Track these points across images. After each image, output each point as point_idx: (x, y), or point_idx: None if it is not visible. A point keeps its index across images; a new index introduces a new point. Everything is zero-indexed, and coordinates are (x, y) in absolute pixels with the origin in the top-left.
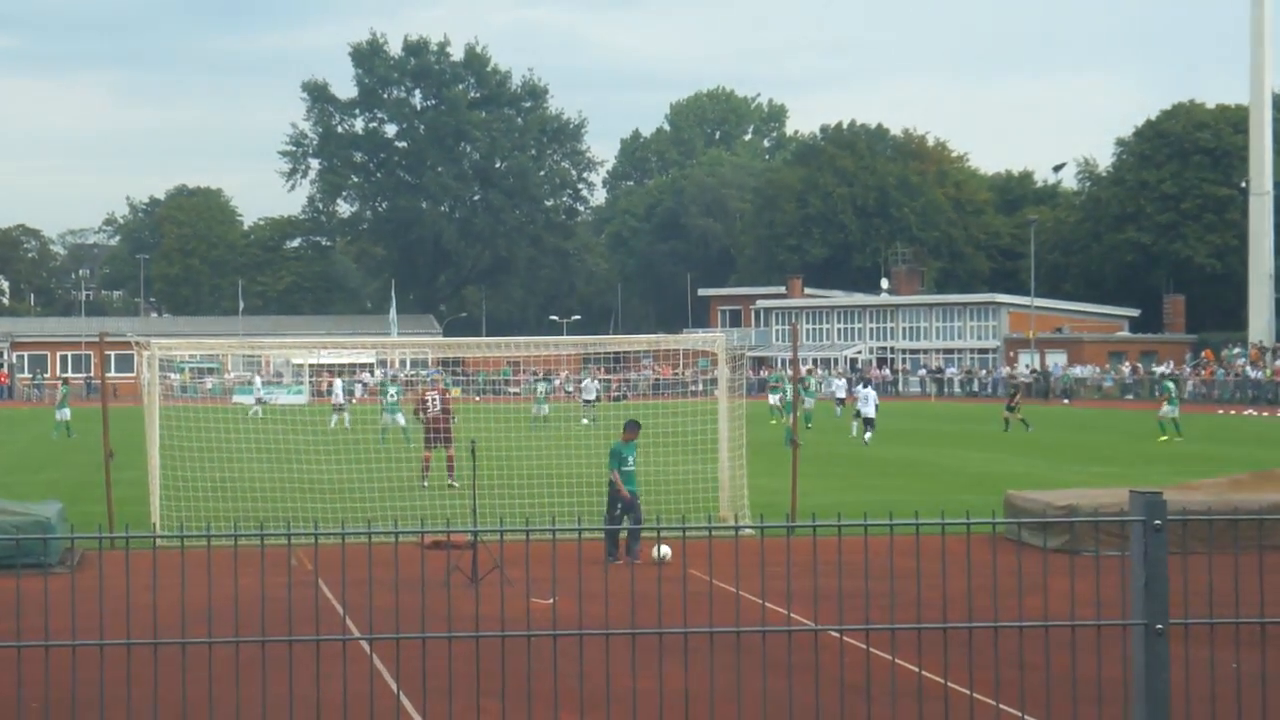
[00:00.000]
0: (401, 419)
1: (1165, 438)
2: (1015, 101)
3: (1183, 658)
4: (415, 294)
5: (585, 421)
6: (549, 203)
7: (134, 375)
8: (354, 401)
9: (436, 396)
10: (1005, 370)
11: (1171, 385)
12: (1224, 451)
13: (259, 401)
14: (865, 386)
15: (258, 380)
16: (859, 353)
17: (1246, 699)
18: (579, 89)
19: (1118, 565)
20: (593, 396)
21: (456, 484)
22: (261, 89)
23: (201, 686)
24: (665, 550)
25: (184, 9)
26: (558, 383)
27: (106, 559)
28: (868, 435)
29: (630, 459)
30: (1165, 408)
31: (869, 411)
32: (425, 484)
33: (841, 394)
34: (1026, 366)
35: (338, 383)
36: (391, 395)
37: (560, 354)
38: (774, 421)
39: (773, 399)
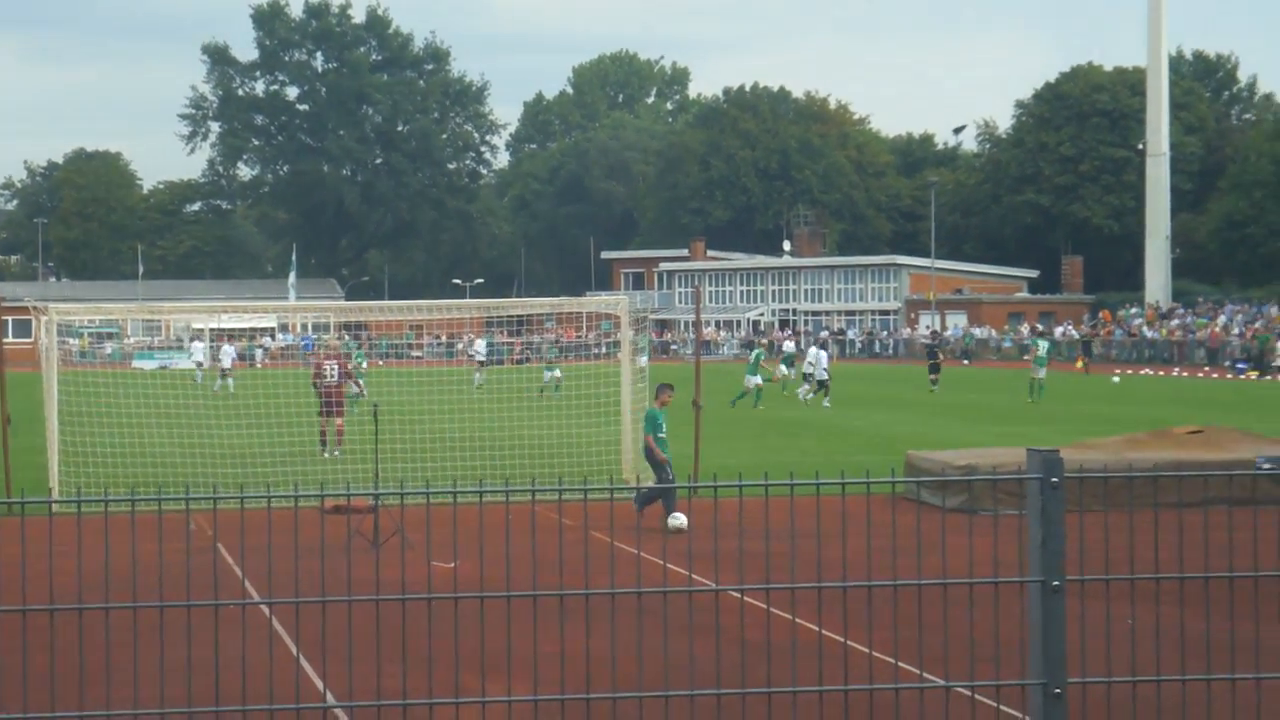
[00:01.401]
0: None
1: (1033, 401)
2: (916, 65)
3: (1078, 613)
4: (317, 258)
5: (477, 379)
6: (451, 166)
7: (32, 341)
8: (258, 366)
9: (335, 365)
10: (908, 332)
11: (1043, 343)
12: (1120, 411)
13: (200, 366)
14: (819, 349)
15: (197, 346)
16: (761, 315)
17: (1140, 653)
18: (482, 52)
19: (1015, 524)
20: (484, 357)
21: (339, 454)
22: (161, 51)
23: (99, 652)
24: (680, 519)
25: None
26: (460, 346)
27: (3, 525)
28: (826, 401)
29: (663, 423)
30: (1040, 370)
31: (821, 374)
32: (334, 452)
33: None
34: (927, 328)
35: (228, 348)
36: (549, 355)
37: (463, 317)
38: (785, 393)
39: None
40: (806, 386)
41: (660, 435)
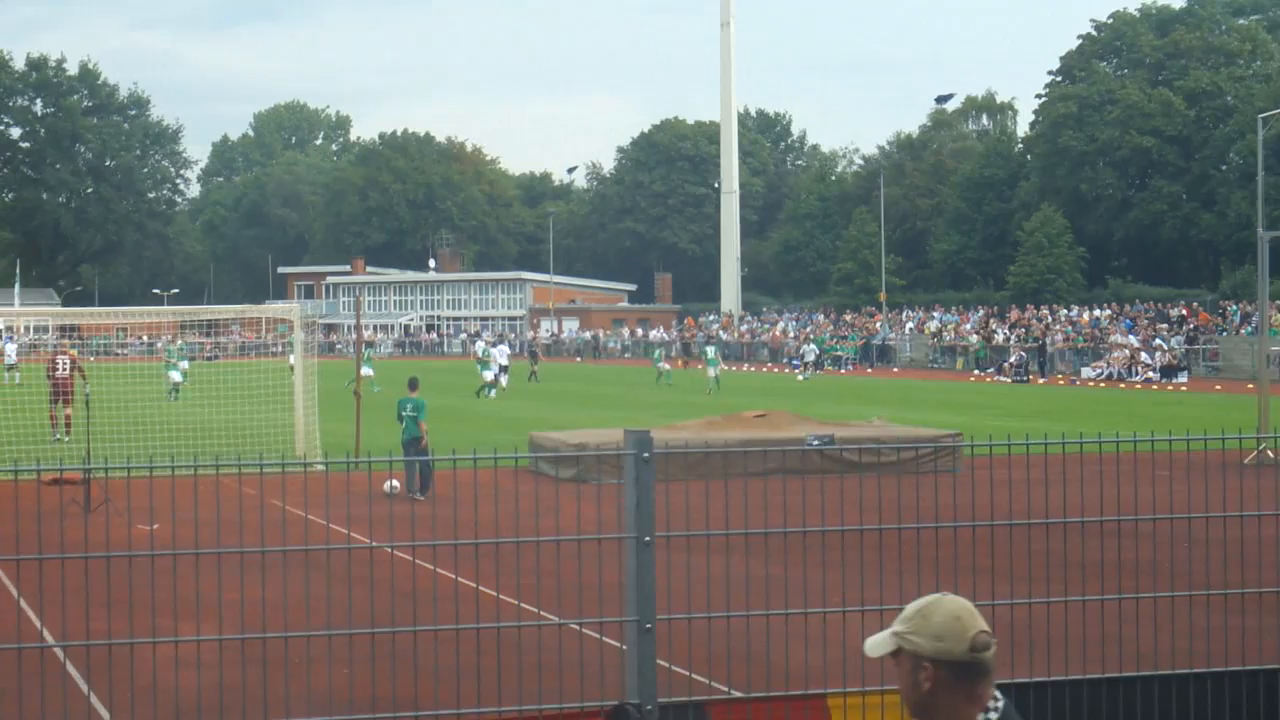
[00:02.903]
0: (177, 375)
1: (709, 393)
2: (538, 115)
3: (666, 564)
4: (37, 271)
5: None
6: (151, 195)
7: None
8: None
9: (66, 360)
10: (530, 334)
11: (711, 350)
12: (701, 399)
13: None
14: (497, 345)
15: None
16: (411, 320)
17: (715, 594)
18: (178, 100)
19: (617, 491)
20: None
21: (68, 439)
22: None
23: None
24: (394, 484)
25: None
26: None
27: None
28: (503, 383)
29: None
30: (709, 369)
31: (503, 361)
32: (60, 437)
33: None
34: (548, 331)
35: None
36: (173, 356)
37: (162, 321)
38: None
39: (663, 365)
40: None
41: (407, 414)
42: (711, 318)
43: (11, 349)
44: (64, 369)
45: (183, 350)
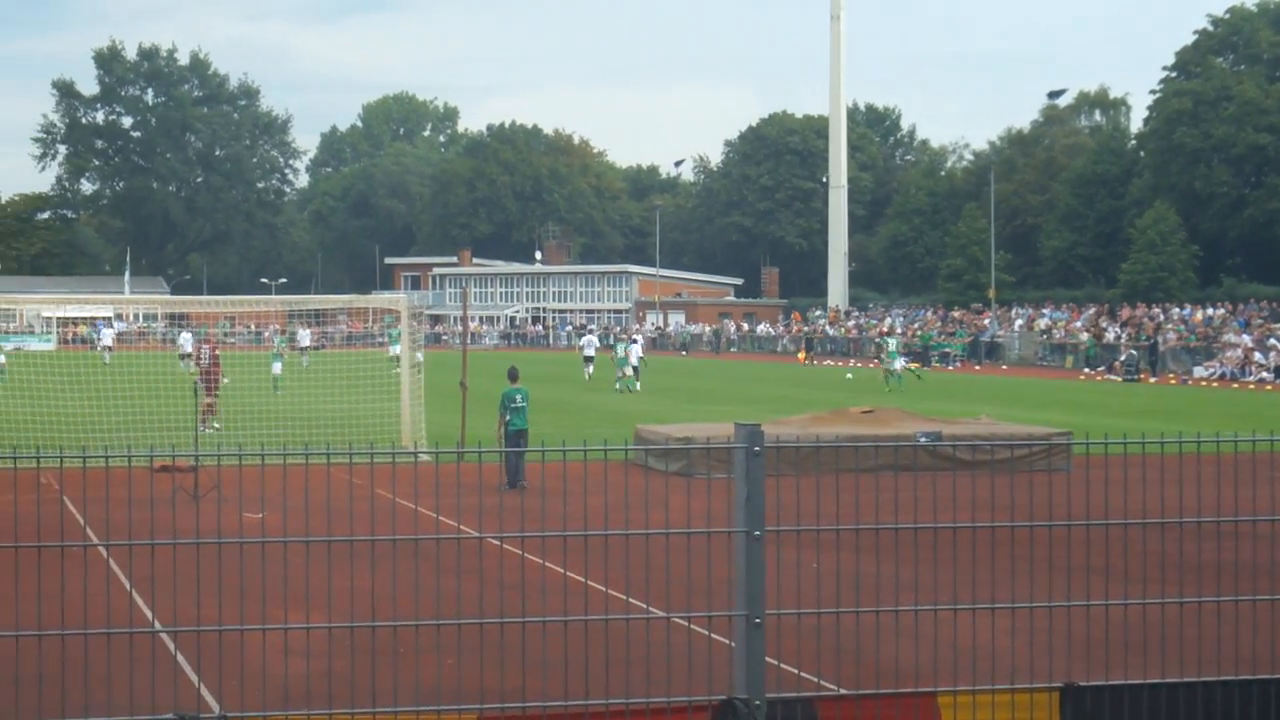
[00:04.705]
0: (279, 367)
1: (890, 389)
2: (646, 108)
3: (776, 559)
4: (147, 260)
5: (305, 363)
6: (260, 185)
7: None
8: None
9: (207, 350)
10: (637, 327)
11: (892, 341)
12: (808, 394)
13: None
14: (632, 344)
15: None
16: (517, 312)
17: (824, 589)
18: (287, 90)
19: (724, 485)
20: (307, 343)
21: (218, 427)
22: (17, 85)
23: None
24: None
25: None
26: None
27: None
28: (637, 385)
29: (517, 398)
30: (896, 362)
31: (634, 362)
32: (205, 428)
33: (590, 351)
34: (653, 324)
35: None
36: (276, 345)
37: (269, 310)
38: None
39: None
40: (622, 372)
41: (515, 406)
42: (818, 313)
43: (109, 334)
44: (205, 358)
45: (283, 343)
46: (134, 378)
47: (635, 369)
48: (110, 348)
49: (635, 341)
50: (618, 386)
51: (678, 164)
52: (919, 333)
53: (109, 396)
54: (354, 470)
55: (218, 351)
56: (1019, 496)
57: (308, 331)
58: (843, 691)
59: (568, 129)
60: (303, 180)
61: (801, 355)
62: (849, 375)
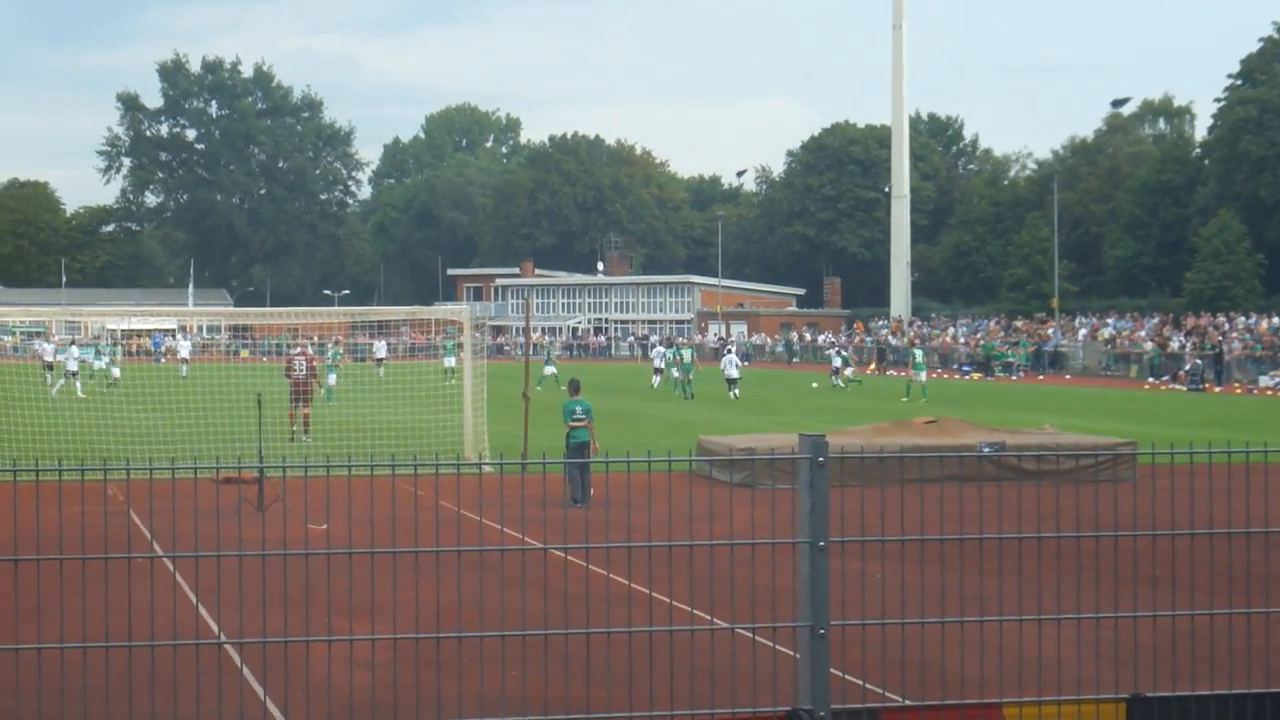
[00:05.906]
0: (334, 378)
1: (907, 399)
2: (707, 118)
3: (840, 570)
4: (210, 271)
5: (380, 374)
6: (323, 196)
7: None
8: (162, 362)
9: (303, 361)
10: (699, 338)
11: (918, 353)
12: (871, 405)
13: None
14: (728, 353)
15: (46, 347)
16: (579, 322)
17: (888, 601)
18: (350, 103)
19: (789, 496)
20: (383, 354)
21: (307, 439)
22: (83, 99)
23: (30, 597)
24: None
25: (18, 33)
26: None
27: None
28: (735, 392)
29: (578, 410)
30: (917, 374)
31: (732, 373)
32: (305, 438)
33: (659, 362)
34: (715, 335)
35: (49, 348)
36: (329, 357)
37: (332, 322)
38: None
39: (661, 365)
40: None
41: (576, 419)
42: (880, 323)
43: (185, 346)
44: (301, 369)
45: (338, 355)
46: (207, 390)
47: (731, 380)
48: (186, 359)
49: (730, 352)
50: (675, 392)
51: (740, 174)
52: (982, 342)
53: (178, 408)
54: (418, 481)
55: (314, 363)
56: (1084, 507)
57: (383, 343)
58: (907, 702)
59: (629, 139)
60: (365, 192)
61: (871, 366)
62: (814, 385)
